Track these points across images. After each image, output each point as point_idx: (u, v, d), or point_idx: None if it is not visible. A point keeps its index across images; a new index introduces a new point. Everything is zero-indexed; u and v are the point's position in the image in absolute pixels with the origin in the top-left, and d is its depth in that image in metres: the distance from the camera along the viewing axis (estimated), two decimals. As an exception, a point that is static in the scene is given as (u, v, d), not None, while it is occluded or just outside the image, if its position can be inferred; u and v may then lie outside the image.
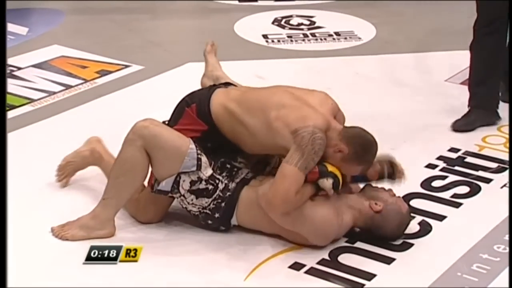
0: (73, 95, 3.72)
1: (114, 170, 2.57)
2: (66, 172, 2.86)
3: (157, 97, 3.72)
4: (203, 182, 2.53)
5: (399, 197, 2.59)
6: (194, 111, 2.61)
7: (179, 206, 2.68)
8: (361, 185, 2.64)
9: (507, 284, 2.34)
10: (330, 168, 2.47)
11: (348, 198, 2.55)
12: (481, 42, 3.27)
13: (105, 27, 4.68)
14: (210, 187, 2.54)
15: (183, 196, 2.55)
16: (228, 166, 2.59)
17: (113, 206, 2.56)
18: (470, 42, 3.40)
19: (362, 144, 2.49)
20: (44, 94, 3.71)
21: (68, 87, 3.80)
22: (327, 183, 2.45)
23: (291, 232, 2.51)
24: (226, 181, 2.55)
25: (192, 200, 2.55)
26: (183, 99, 2.69)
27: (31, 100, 3.65)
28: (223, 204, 2.53)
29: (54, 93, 3.73)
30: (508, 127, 3.34)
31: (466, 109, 3.42)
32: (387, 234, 2.54)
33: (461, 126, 3.29)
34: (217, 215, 2.55)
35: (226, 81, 2.84)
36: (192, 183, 2.52)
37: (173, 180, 2.52)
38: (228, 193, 2.54)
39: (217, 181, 2.55)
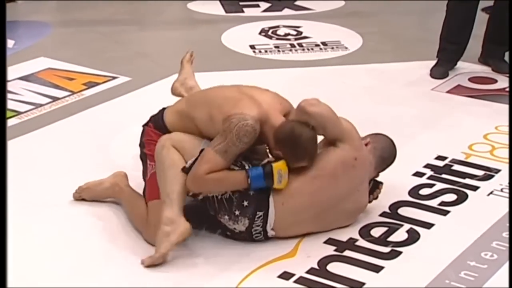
0: (60, 107, 3.71)
1: (157, 174, 2.60)
2: (84, 196, 2.85)
3: (145, 108, 3.71)
4: None
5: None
6: (152, 128, 2.77)
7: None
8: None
9: (495, 291, 2.36)
10: (276, 165, 2.48)
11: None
12: (457, 6, 3.88)
13: (92, 39, 4.68)
14: (236, 168, 2.51)
15: None
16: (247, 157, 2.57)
17: (174, 202, 2.51)
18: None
19: (293, 149, 2.48)
20: (31, 107, 3.70)
21: (55, 99, 3.79)
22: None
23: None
24: (252, 165, 2.53)
25: None
26: (147, 127, 2.80)
27: (18, 113, 3.64)
28: None
29: (41, 105, 3.73)
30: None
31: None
32: (392, 153, 2.76)
33: (438, 75, 3.95)
34: (251, 192, 2.50)
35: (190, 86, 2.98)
36: None
37: (198, 154, 2.51)
38: None
39: (240, 163, 2.52)
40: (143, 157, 2.75)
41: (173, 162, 2.56)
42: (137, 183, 2.85)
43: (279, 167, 2.49)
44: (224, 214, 2.54)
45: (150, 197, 2.64)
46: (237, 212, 2.52)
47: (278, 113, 2.57)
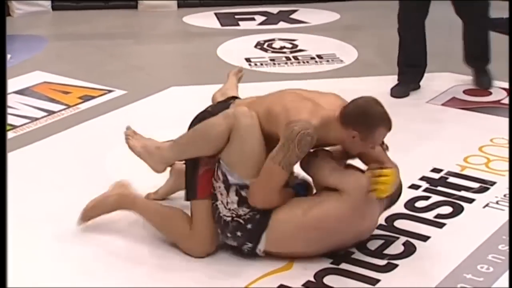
0: (56, 120, 3.72)
1: (197, 126, 2.60)
2: (92, 215, 2.77)
3: (141, 121, 3.71)
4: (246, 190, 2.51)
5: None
6: None
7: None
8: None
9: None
10: None
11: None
12: (406, 31, 3.95)
13: (88, 52, 4.69)
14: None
15: (228, 192, 2.50)
16: None
17: (174, 153, 2.61)
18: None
19: (362, 118, 2.44)
20: (26, 120, 3.70)
21: (50, 113, 3.79)
22: None
23: (329, 218, 2.50)
24: None
25: (232, 202, 2.51)
26: (205, 110, 2.71)
27: (13, 127, 3.64)
28: (257, 216, 2.51)
29: (37, 119, 3.73)
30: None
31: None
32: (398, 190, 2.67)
33: (399, 94, 3.94)
34: (249, 226, 2.52)
35: (233, 95, 2.88)
36: (240, 187, 2.51)
37: (228, 169, 2.50)
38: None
39: None
40: None
41: (209, 133, 2.52)
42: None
43: None
44: (218, 227, 2.57)
45: (202, 195, 2.56)
46: (229, 235, 2.56)
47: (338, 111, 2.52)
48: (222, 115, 2.56)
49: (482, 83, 4.01)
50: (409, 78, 4.01)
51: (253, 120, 2.52)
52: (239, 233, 2.53)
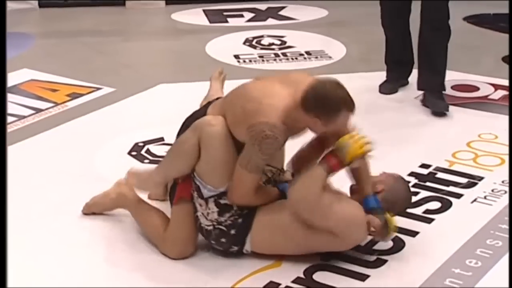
0: (43, 118, 3.70)
1: (172, 146, 2.66)
2: (93, 210, 2.80)
3: (129, 119, 3.72)
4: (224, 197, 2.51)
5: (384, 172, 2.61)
6: None
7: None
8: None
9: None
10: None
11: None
12: (390, 30, 3.94)
13: (76, 50, 4.68)
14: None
15: (207, 204, 2.50)
16: None
17: (161, 176, 2.67)
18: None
19: (322, 104, 2.35)
20: (13, 119, 3.68)
21: (38, 110, 3.78)
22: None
23: (315, 240, 2.47)
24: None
25: (212, 212, 2.50)
26: (186, 120, 2.71)
27: (1, 125, 3.62)
28: (240, 220, 2.51)
29: (24, 117, 3.71)
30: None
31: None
32: (405, 202, 2.60)
33: (387, 91, 3.96)
34: (232, 231, 2.51)
35: (219, 96, 2.86)
36: (218, 196, 2.50)
37: (200, 181, 2.50)
38: (246, 210, 2.51)
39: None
40: None
41: (184, 150, 2.52)
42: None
43: None
44: (201, 235, 2.58)
45: (176, 200, 2.58)
46: (213, 242, 2.56)
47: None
48: (190, 129, 2.55)
49: (439, 106, 3.69)
50: (397, 75, 4.01)
51: (217, 127, 2.49)
52: (223, 240, 2.53)
